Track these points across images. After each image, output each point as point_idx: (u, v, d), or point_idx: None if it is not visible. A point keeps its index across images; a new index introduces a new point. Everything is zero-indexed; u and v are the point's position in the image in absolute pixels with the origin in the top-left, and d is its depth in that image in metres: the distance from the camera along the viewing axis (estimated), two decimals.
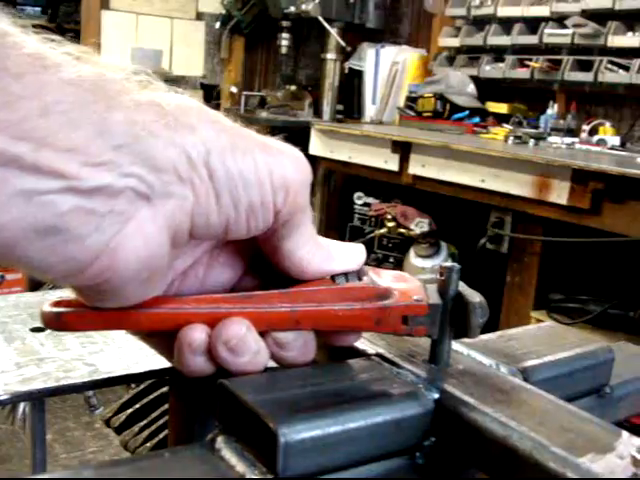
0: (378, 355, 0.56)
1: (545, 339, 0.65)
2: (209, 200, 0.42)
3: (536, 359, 0.59)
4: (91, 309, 0.45)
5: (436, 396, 0.50)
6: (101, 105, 0.39)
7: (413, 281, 0.55)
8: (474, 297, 0.52)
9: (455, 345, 0.57)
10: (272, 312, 0.49)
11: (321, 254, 0.50)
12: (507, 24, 3.61)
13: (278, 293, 0.49)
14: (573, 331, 0.69)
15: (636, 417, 0.71)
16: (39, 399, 0.91)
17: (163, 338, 0.49)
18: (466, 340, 0.61)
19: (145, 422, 0.88)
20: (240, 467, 0.44)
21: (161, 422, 0.87)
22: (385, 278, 0.54)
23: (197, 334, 0.46)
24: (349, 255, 0.52)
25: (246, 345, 0.47)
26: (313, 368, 0.53)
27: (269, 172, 0.45)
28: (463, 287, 0.53)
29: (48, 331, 0.69)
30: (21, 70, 0.37)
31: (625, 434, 0.47)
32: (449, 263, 0.52)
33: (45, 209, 0.37)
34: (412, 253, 3.38)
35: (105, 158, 0.39)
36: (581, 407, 0.52)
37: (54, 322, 0.46)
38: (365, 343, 0.58)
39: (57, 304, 0.46)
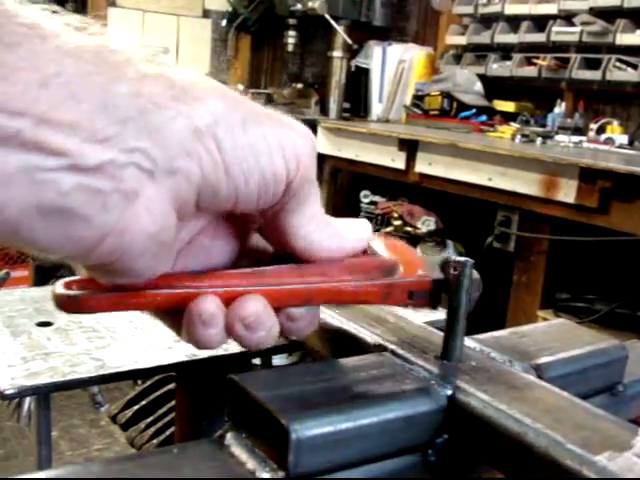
0: (390, 351, 0.55)
1: (558, 336, 0.64)
2: (217, 173, 0.41)
3: (549, 356, 0.58)
4: (105, 290, 0.44)
5: (449, 392, 0.49)
6: (104, 77, 0.38)
7: (410, 251, 0.55)
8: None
9: (467, 341, 0.56)
10: (287, 290, 0.48)
11: (329, 231, 0.49)
12: (514, 22, 3.60)
13: (288, 268, 0.49)
14: (585, 329, 0.68)
15: None
16: (45, 394, 0.91)
17: (175, 314, 0.48)
18: (478, 336, 0.60)
19: (152, 419, 0.87)
20: (251, 464, 0.44)
21: (168, 419, 0.86)
22: (382, 247, 0.54)
23: (207, 305, 0.45)
24: (356, 232, 0.51)
25: (262, 321, 0.46)
26: (324, 364, 0.53)
27: (280, 143, 0.44)
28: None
29: (55, 325, 0.68)
30: (16, 40, 0.35)
31: None
32: (462, 258, 0.52)
33: (47, 188, 0.36)
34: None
35: (109, 133, 0.37)
36: (594, 405, 0.51)
37: (68, 304, 0.44)
38: (377, 339, 0.57)
39: (69, 285, 0.44)
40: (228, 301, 0.46)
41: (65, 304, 0.44)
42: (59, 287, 0.44)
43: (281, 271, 0.48)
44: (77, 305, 0.44)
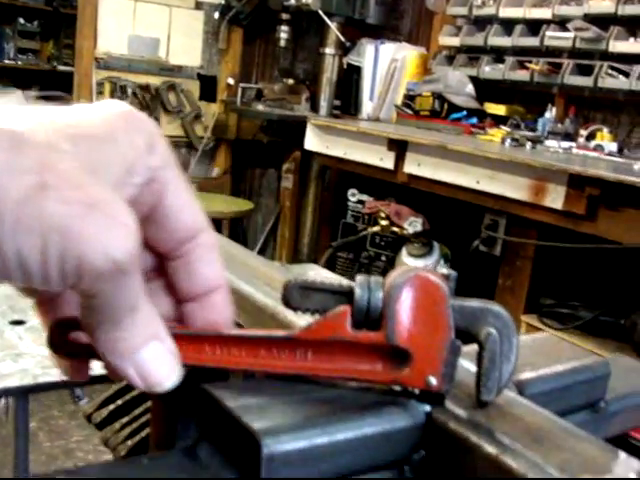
0: None
1: (540, 351, 0.64)
2: None
3: (532, 372, 0.57)
4: None
5: (427, 408, 0.48)
6: None
7: (438, 314, 0.47)
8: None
9: None
10: (278, 365, 0.47)
11: (125, 348, 0.41)
12: (508, 25, 3.60)
13: (284, 340, 0.47)
14: (568, 344, 0.67)
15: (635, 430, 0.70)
16: (15, 396, 0.89)
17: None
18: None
19: (127, 419, 0.86)
20: (222, 477, 0.42)
21: (143, 420, 0.85)
22: (408, 303, 0.46)
23: None
24: (150, 378, 0.43)
25: None
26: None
27: (61, 258, 0.34)
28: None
29: (28, 324, 0.67)
30: None
31: (623, 455, 0.45)
32: (445, 270, 0.50)
33: None
34: (404, 252, 3.36)
35: None
36: (575, 422, 0.50)
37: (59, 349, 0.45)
38: None
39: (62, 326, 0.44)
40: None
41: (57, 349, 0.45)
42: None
43: (275, 342, 0.47)
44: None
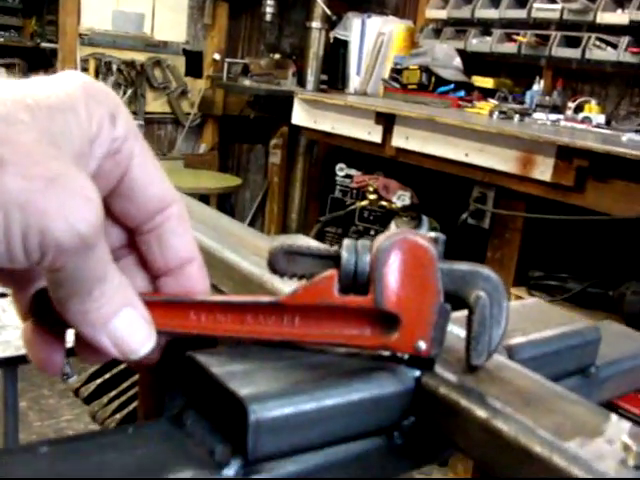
0: None
1: (530, 316, 0.63)
2: None
3: (522, 337, 0.56)
4: None
5: (417, 373, 0.47)
6: None
7: (428, 275, 0.46)
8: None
9: None
10: (264, 331, 0.46)
11: (96, 319, 0.40)
12: None
13: (271, 306, 0.46)
14: (558, 309, 0.66)
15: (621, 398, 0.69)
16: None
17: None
18: None
19: (115, 393, 0.85)
20: (208, 445, 0.42)
21: (131, 393, 0.84)
22: (396, 264, 0.45)
23: None
24: (124, 345, 0.42)
25: None
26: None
27: (23, 230, 0.34)
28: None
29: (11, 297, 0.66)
30: None
31: (614, 417, 0.44)
32: (433, 233, 0.49)
33: None
34: (393, 226, 3.36)
35: None
36: (566, 387, 0.49)
37: None
38: None
39: None
40: None
41: None
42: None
43: (262, 307, 0.46)
44: None
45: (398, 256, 0.45)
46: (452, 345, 0.51)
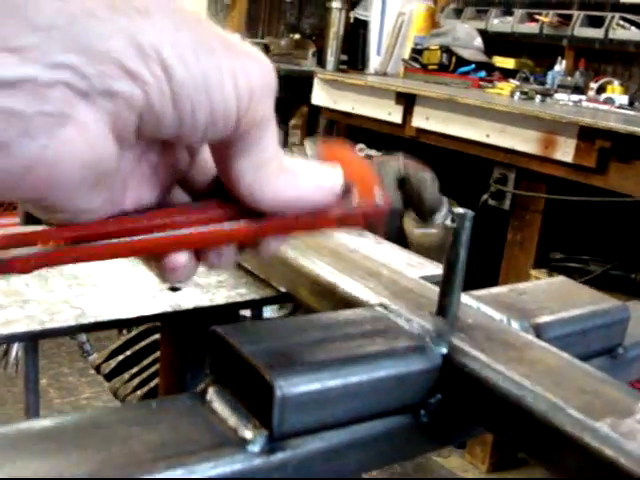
0: (383, 305, 0.52)
1: (558, 295, 0.62)
2: (163, 103, 0.35)
3: (549, 315, 0.56)
4: (38, 250, 0.39)
5: (444, 351, 0.47)
6: None
7: (359, 160, 0.49)
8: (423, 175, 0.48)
9: (463, 297, 0.54)
10: (236, 230, 0.44)
11: (281, 181, 0.42)
12: None
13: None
14: (586, 288, 0.65)
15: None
16: (28, 343, 0.88)
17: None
18: (475, 292, 0.58)
19: (136, 369, 0.85)
20: (232, 421, 0.41)
21: (152, 370, 0.84)
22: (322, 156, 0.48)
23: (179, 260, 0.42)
24: (320, 180, 0.44)
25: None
26: (314, 318, 0.50)
27: (233, 74, 0.38)
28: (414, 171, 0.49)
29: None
30: None
31: None
32: (461, 209, 0.49)
33: None
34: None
35: (25, 42, 0.31)
36: (594, 367, 0.49)
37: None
38: (369, 293, 0.54)
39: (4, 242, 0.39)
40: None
41: None
42: None
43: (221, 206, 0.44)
44: (10, 267, 0.39)
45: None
46: (480, 323, 0.50)
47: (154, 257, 0.42)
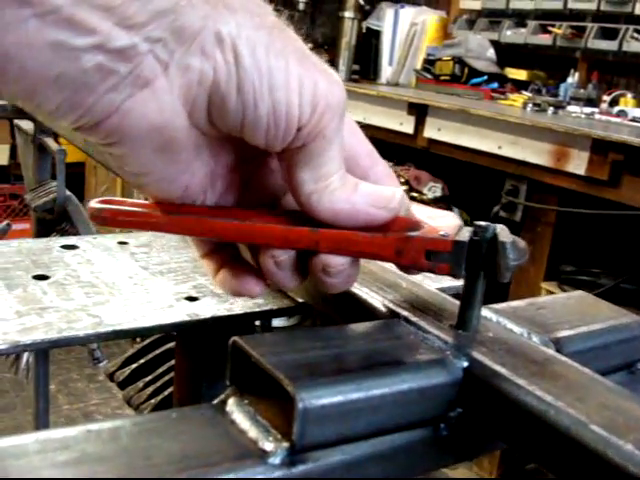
0: (402, 317, 0.52)
1: (577, 309, 0.62)
2: (229, 84, 0.40)
3: (569, 330, 0.55)
4: (131, 209, 0.48)
5: (465, 364, 0.46)
6: None
7: (451, 219, 0.52)
8: (507, 237, 0.48)
9: (483, 311, 0.53)
10: (291, 230, 0.47)
11: (340, 195, 0.45)
12: None
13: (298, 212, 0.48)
14: (605, 302, 0.65)
15: None
16: (40, 350, 0.88)
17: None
18: (494, 306, 0.58)
19: (150, 378, 0.85)
20: (253, 432, 0.41)
21: (167, 378, 0.84)
22: (423, 212, 0.51)
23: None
24: (379, 201, 0.47)
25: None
26: (334, 329, 0.50)
27: (299, 82, 0.42)
28: (503, 230, 0.49)
29: (51, 279, 0.66)
30: None
31: None
32: (484, 223, 0.49)
33: (70, 63, 0.37)
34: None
35: (139, 20, 0.38)
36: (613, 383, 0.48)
37: (96, 217, 0.48)
38: (388, 304, 0.54)
39: (104, 202, 0.49)
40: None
41: (94, 217, 0.49)
42: (94, 202, 0.49)
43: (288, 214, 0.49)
44: (102, 217, 0.48)
45: None
46: (500, 336, 0.50)
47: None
